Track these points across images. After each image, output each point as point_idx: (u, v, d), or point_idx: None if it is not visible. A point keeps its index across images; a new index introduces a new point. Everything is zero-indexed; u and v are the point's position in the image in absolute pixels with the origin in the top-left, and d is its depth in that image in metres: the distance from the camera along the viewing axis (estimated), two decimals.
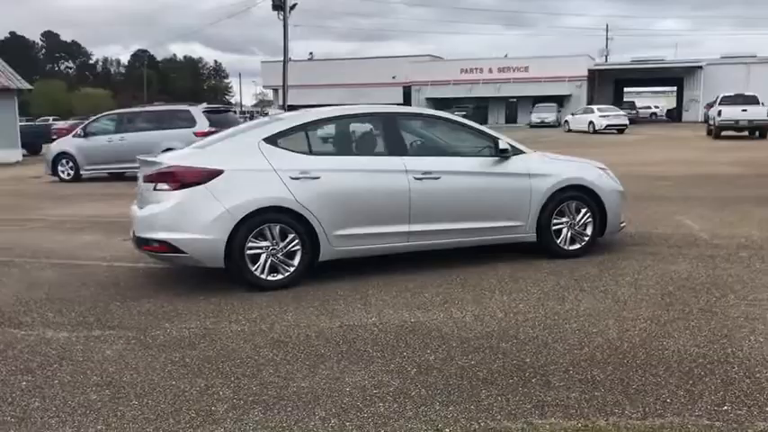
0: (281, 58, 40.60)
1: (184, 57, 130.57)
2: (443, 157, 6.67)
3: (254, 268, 5.87)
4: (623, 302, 5.34)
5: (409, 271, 6.44)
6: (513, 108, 59.30)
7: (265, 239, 5.89)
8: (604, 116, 37.20)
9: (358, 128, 6.87)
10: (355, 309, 5.36)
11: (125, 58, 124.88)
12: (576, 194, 6.91)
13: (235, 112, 20.47)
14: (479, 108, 56.45)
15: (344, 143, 6.73)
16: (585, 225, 6.97)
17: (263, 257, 5.89)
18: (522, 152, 6.88)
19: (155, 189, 5.91)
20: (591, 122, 37.08)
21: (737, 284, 5.76)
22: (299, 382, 3.95)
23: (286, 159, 6.06)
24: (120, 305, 5.65)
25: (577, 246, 6.95)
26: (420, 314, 5.18)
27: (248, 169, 5.96)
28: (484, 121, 54.61)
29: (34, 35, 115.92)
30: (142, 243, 5.98)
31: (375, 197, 6.23)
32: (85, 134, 17.93)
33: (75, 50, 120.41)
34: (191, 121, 16.70)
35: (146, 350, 4.56)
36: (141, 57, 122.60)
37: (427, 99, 59.28)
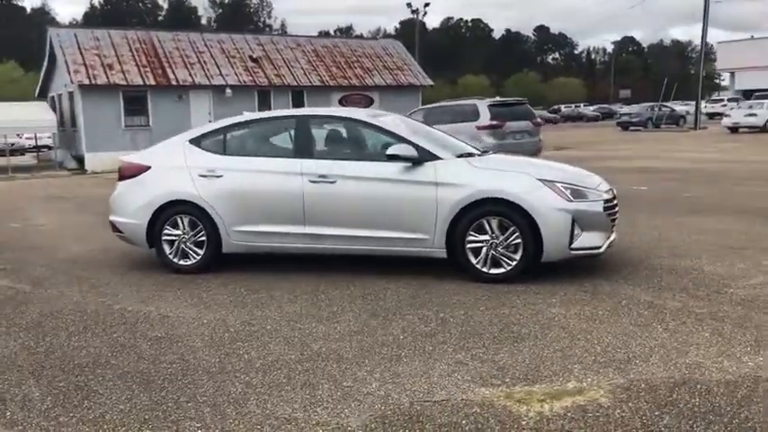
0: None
1: (671, 41, 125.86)
2: (345, 161, 6.39)
3: (168, 252, 6.79)
4: (325, 333, 4.67)
5: (326, 274, 6.48)
6: None
7: (178, 228, 6.73)
8: None
9: (273, 131, 7.05)
10: (166, 300, 5.84)
11: (611, 47, 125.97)
12: (499, 209, 5.83)
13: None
14: None
15: (256, 145, 6.97)
16: (516, 246, 5.82)
17: (175, 244, 6.75)
18: (437, 158, 6.10)
19: (117, 180, 7.27)
20: None
21: (529, 338, 4.36)
22: None
23: (200, 158, 6.75)
24: (84, 273, 7.17)
25: (502, 270, 5.88)
26: (189, 312, 5.46)
27: (169, 166, 6.86)
28: None
29: (528, 30, 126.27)
30: None
31: (269, 197, 6.47)
32: None
33: (561, 41, 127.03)
34: (476, 115, 17.19)
35: (14, 305, 5.94)
36: (626, 44, 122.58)
37: None
